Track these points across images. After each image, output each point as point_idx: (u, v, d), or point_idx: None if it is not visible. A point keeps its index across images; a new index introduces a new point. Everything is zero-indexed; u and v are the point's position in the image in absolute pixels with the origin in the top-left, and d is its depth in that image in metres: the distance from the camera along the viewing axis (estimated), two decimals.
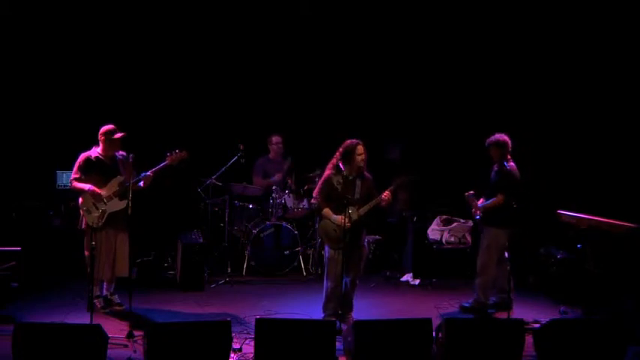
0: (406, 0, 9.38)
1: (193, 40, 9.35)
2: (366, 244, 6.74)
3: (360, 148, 6.54)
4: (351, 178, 6.59)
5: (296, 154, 9.13)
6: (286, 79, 9.66)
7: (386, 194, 6.50)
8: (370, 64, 9.67)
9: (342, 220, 6.44)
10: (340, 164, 6.60)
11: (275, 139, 9.14)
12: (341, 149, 6.60)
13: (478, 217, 7.36)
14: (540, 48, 9.10)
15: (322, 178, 6.71)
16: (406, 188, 9.00)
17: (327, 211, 6.59)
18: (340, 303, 6.54)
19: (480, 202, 7.28)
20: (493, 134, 7.21)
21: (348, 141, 6.59)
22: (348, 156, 6.54)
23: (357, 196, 6.54)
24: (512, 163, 7.17)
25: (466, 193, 7.33)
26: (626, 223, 6.86)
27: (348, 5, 9.38)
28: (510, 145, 7.15)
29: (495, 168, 7.25)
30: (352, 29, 9.49)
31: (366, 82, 9.73)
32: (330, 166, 6.68)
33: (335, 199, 6.57)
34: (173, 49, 9.34)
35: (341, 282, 6.48)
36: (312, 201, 7.03)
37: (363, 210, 6.52)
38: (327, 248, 6.69)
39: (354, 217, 6.48)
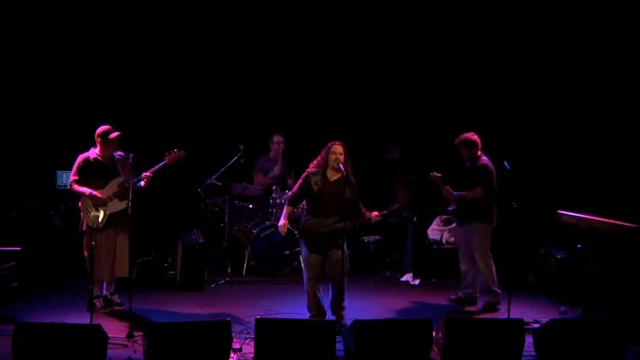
0: (406, 0, 9.38)
1: (193, 40, 9.35)
2: (345, 247, 6.38)
3: (336, 148, 6.38)
4: (332, 181, 6.44)
5: (296, 154, 9.12)
6: (286, 79, 9.66)
7: (375, 214, 6.48)
8: (370, 64, 9.67)
9: (282, 226, 6.51)
10: (321, 164, 6.47)
11: (277, 138, 9.15)
12: (322, 150, 6.53)
13: (451, 208, 7.36)
14: (540, 48, 9.10)
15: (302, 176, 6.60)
16: (406, 188, 9.01)
17: (286, 209, 6.62)
18: (319, 302, 6.49)
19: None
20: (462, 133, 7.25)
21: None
22: (325, 155, 6.45)
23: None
24: (484, 157, 7.19)
25: (432, 174, 7.10)
26: (626, 223, 6.86)
27: (348, 5, 9.38)
28: (480, 143, 7.20)
29: (467, 165, 7.27)
30: (352, 29, 9.49)
31: (366, 83, 9.73)
32: (311, 165, 6.57)
33: (311, 197, 6.47)
34: (173, 48, 9.34)
35: (316, 284, 6.46)
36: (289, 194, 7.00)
37: (350, 224, 6.39)
38: (303, 248, 6.55)
39: (338, 226, 6.30)
